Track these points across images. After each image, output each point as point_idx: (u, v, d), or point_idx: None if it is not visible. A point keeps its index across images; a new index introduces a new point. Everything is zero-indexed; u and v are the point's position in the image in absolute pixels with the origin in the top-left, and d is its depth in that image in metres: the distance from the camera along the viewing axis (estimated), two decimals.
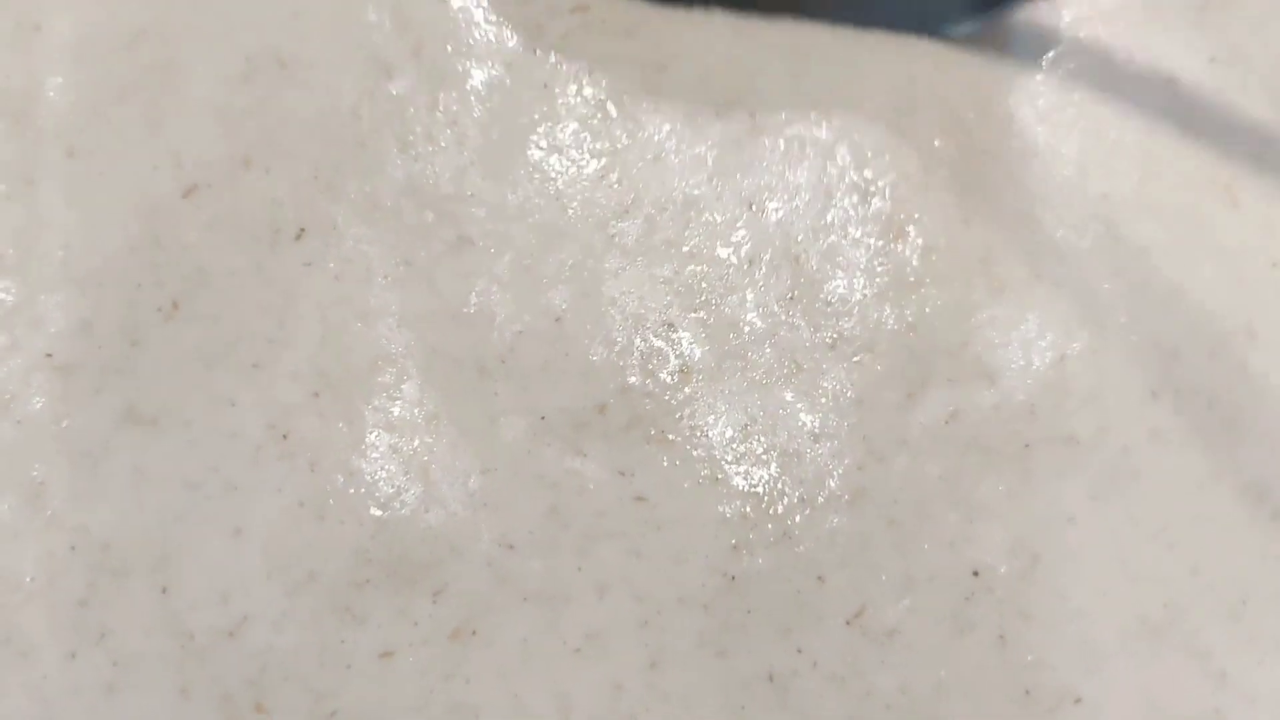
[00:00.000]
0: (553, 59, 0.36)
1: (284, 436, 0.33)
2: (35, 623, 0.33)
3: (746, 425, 0.34)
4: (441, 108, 0.35)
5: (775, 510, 0.34)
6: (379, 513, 0.33)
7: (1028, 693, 0.34)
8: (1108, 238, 0.36)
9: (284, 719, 0.32)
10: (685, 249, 0.35)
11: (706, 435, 0.34)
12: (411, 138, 0.35)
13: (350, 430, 0.34)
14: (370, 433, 0.34)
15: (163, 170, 0.34)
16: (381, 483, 0.34)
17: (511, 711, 0.33)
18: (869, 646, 0.34)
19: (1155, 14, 0.37)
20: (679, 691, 0.33)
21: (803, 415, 0.34)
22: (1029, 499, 0.34)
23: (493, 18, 0.36)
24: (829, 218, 0.36)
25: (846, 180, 0.36)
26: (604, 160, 0.35)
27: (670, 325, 0.34)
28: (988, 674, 0.34)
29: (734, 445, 0.34)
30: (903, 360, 0.35)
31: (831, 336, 0.35)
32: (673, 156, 0.36)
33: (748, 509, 0.34)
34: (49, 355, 0.33)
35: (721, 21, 0.36)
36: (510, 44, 0.36)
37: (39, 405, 0.33)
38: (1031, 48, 0.37)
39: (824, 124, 0.36)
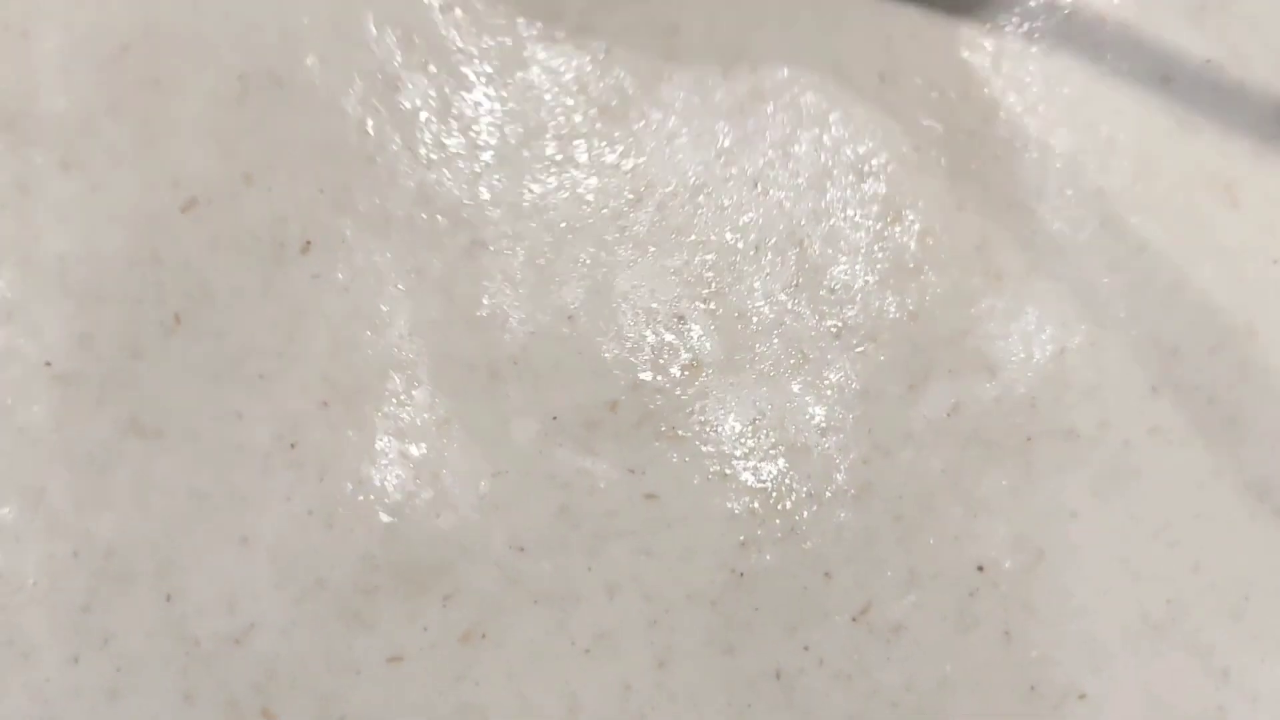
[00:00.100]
0: (571, 45, 0.35)
1: (292, 446, 0.33)
2: (37, 626, 0.32)
3: (755, 420, 0.34)
4: (454, 113, 0.35)
5: (783, 506, 0.34)
6: (389, 519, 0.33)
7: (1033, 688, 0.34)
8: (1104, 233, 0.36)
9: None
10: (693, 236, 0.35)
11: (716, 431, 0.34)
12: (423, 148, 0.35)
13: (360, 438, 0.34)
14: (380, 440, 0.34)
15: (159, 186, 0.34)
16: (391, 489, 0.33)
17: (520, 712, 0.33)
18: (875, 643, 0.34)
19: (1150, 12, 0.37)
20: (687, 690, 0.33)
21: (810, 408, 0.34)
22: (1031, 494, 0.34)
23: (500, 19, 0.35)
24: (828, 198, 0.36)
25: (842, 157, 0.36)
26: (619, 147, 0.35)
27: (680, 318, 0.35)
28: (993, 670, 0.34)
29: (743, 440, 0.34)
30: (905, 351, 0.35)
31: (835, 325, 0.35)
32: (684, 132, 0.35)
33: (756, 505, 0.34)
34: (48, 364, 0.33)
35: None
36: (524, 35, 0.35)
37: (38, 413, 0.33)
38: (1014, 33, 0.37)
39: (813, 90, 0.36)
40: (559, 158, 0.35)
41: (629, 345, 0.34)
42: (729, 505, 0.34)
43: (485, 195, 0.35)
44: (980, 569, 0.34)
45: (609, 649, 0.33)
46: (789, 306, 0.35)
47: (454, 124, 0.35)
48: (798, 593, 0.34)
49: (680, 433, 0.34)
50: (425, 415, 0.34)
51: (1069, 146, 0.36)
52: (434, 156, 0.35)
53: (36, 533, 0.33)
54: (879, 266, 0.35)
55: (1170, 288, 0.35)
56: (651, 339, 0.34)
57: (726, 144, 0.36)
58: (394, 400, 0.34)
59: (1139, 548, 0.34)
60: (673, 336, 0.35)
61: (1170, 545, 0.34)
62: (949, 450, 0.34)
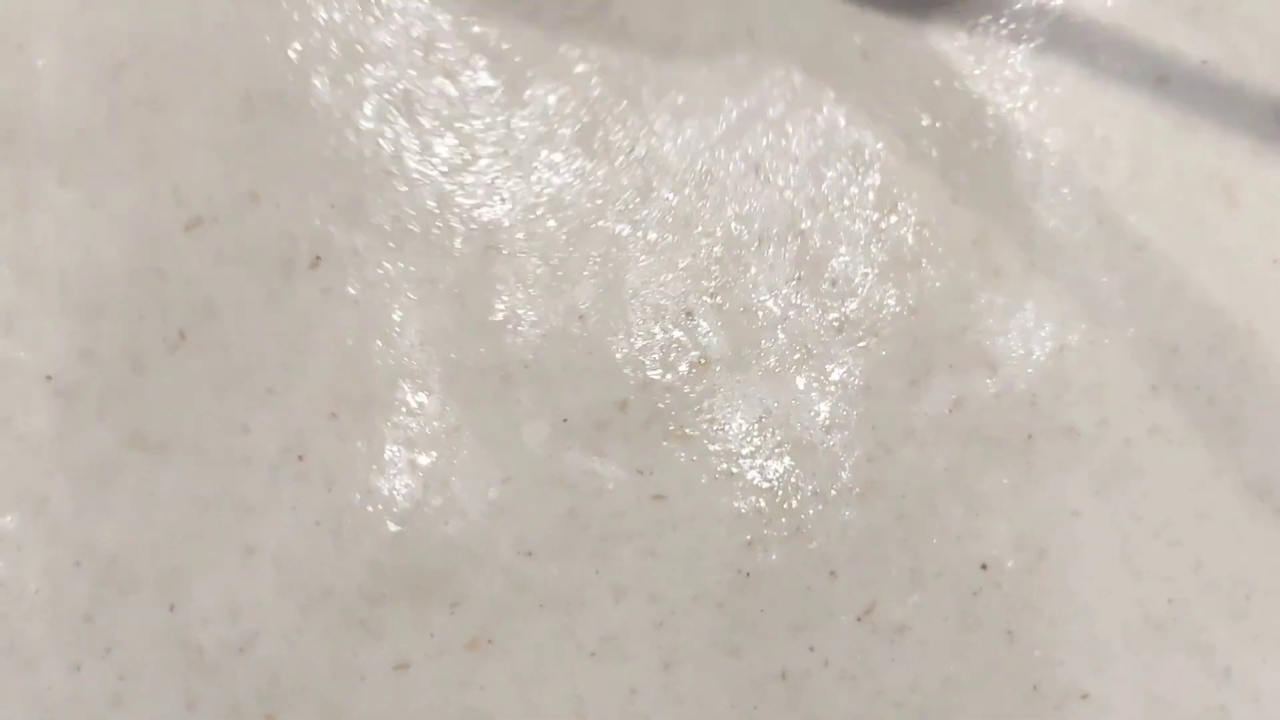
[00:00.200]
0: (584, 26, 0.35)
1: (300, 458, 0.33)
2: (39, 634, 0.32)
3: (761, 417, 0.34)
4: (475, 121, 0.35)
5: (789, 505, 0.34)
6: (396, 528, 0.33)
7: (1035, 688, 0.34)
8: (1101, 231, 0.36)
9: None
10: (700, 228, 0.35)
11: (723, 429, 0.34)
12: (438, 157, 0.35)
13: (369, 448, 0.34)
14: (389, 449, 0.34)
15: (161, 204, 0.34)
16: (400, 498, 0.33)
17: (525, 717, 0.33)
18: (879, 644, 0.34)
19: (1146, 13, 0.37)
20: (692, 693, 0.33)
21: (814, 405, 0.35)
22: (1033, 492, 0.35)
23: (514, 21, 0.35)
24: (825, 186, 0.36)
25: (837, 140, 0.36)
26: (629, 135, 0.35)
27: (689, 313, 0.35)
28: (996, 670, 0.34)
29: (750, 439, 0.34)
30: (906, 345, 0.35)
31: (837, 319, 0.35)
32: (689, 114, 0.35)
33: (762, 504, 0.34)
34: (48, 378, 0.33)
35: None
36: (540, 27, 0.35)
37: (39, 425, 0.33)
38: (1003, 32, 0.37)
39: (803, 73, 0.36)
40: (574, 151, 0.35)
41: (639, 343, 0.34)
42: (736, 505, 0.34)
43: (501, 198, 0.35)
44: (984, 568, 0.34)
45: (615, 652, 0.33)
46: (793, 299, 0.35)
47: (469, 127, 0.35)
48: (803, 593, 0.34)
49: (688, 431, 0.34)
50: (435, 424, 0.34)
51: (1063, 145, 0.36)
52: (450, 163, 0.35)
53: (38, 542, 0.32)
54: (878, 259, 0.35)
55: (1169, 287, 0.36)
56: (661, 336, 0.35)
57: (729, 126, 0.36)
58: (404, 410, 0.34)
59: (1140, 547, 0.35)
60: (681, 333, 0.35)
61: (1171, 544, 0.35)
62: (951, 447, 0.35)
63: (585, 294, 0.35)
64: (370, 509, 0.33)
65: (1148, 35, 0.37)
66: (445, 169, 0.35)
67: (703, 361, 0.34)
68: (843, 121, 0.36)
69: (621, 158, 0.35)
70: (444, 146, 0.35)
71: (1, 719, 0.32)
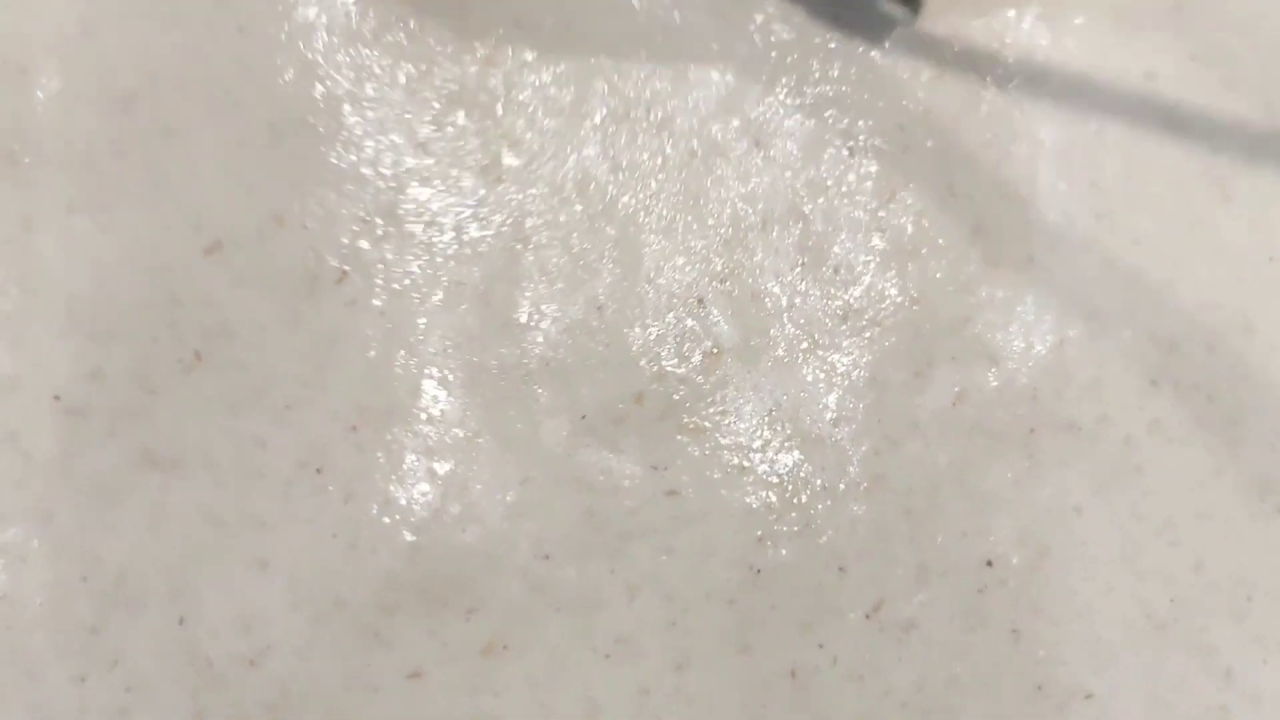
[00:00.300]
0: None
1: (318, 471, 0.33)
2: (43, 646, 0.32)
3: (771, 410, 0.35)
4: (499, 120, 0.35)
5: (799, 499, 0.34)
6: (413, 537, 0.33)
7: (1039, 688, 0.34)
8: (1098, 226, 0.36)
9: None
10: (709, 208, 0.35)
11: (735, 422, 0.34)
12: (474, 158, 0.35)
13: (388, 459, 0.34)
14: (409, 459, 0.34)
15: (177, 230, 0.34)
16: (418, 507, 0.33)
17: None
18: (887, 641, 0.34)
19: (1129, 9, 0.37)
20: (703, 693, 0.33)
21: (822, 397, 0.35)
22: (1035, 487, 0.35)
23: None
24: (822, 169, 0.36)
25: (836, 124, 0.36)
26: (646, 117, 0.35)
27: (701, 301, 0.35)
28: (1001, 669, 0.34)
29: (760, 432, 0.34)
30: (909, 336, 0.35)
31: (841, 307, 0.35)
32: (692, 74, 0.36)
33: (773, 498, 0.34)
34: (57, 398, 0.33)
35: None
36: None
37: (45, 442, 0.33)
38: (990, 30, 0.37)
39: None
40: (598, 138, 0.35)
41: (654, 334, 0.35)
42: (747, 500, 0.34)
43: (534, 189, 0.35)
44: (989, 564, 0.34)
45: (628, 653, 0.33)
46: (799, 286, 0.35)
47: (509, 123, 0.35)
48: (813, 589, 0.34)
49: (703, 424, 0.34)
50: (456, 430, 0.34)
51: (1056, 140, 0.36)
52: (480, 163, 0.35)
53: (43, 556, 0.32)
54: (876, 246, 0.36)
55: (1166, 282, 0.36)
56: (675, 325, 0.35)
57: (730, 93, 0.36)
58: (424, 418, 0.34)
59: (1142, 545, 0.35)
60: (694, 322, 0.35)
61: (1172, 544, 0.35)
62: (955, 441, 0.35)
63: (603, 284, 0.35)
64: (388, 520, 0.33)
65: (1134, 30, 0.37)
66: (489, 165, 0.35)
67: (715, 351, 0.35)
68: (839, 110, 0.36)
69: (643, 138, 0.35)
70: (472, 145, 0.35)
71: None
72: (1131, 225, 0.36)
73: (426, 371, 0.34)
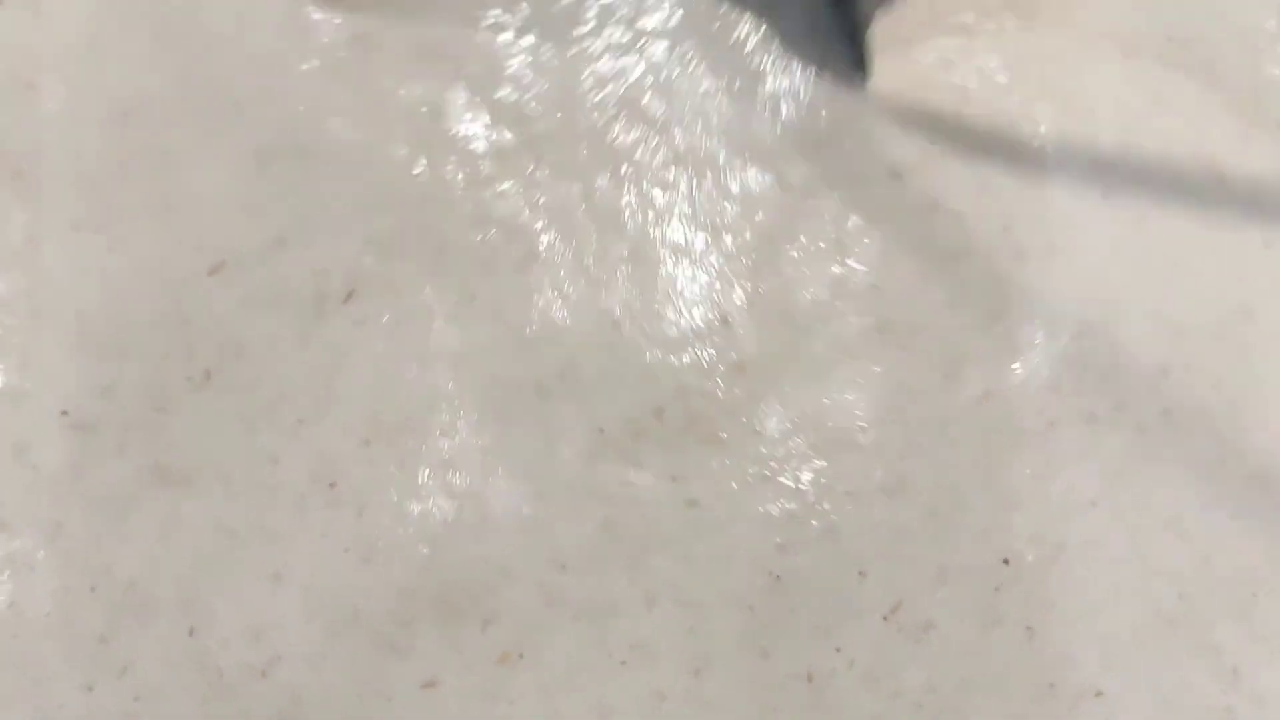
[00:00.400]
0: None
1: (331, 485, 0.33)
2: (51, 654, 0.32)
3: (796, 420, 0.34)
4: (510, 130, 0.35)
5: (821, 506, 0.34)
6: (428, 550, 0.33)
7: (1052, 686, 0.34)
8: (1106, 205, 0.37)
9: None
10: (727, 219, 0.35)
11: (758, 432, 0.34)
12: (471, 169, 0.35)
13: (402, 473, 0.33)
14: (423, 472, 0.33)
15: (181, 249, 0.34)
16: (434, 520, 0.33)
17: None
18: (904, 643, 0.34)
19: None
20: (719, 697, 0.33)
21: (850, 405, 0.35)
22: (1052, 482, 0.35)
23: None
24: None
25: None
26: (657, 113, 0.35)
27: (725, 319, 0.34)
28: (1015, 668, 0.34)
29: (785, 441, 0.34)
30: (938, 338, 0.35)
31: (874, 320, 0.35)
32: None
33: (794, 506, 0.34)
34: (65, 413, 0.33)
35: None
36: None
37: (54, 456, 0.33)
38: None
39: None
40: (602, 137, 0.35)
41: (673, 347, 0.34)
42: (768, 508, 0.34)
43: (539, 199, 0.35)
44: (1006, 562, 0.34)
45: (645, 659, 0.33)
46: (827, 300, 0.35)
47: (502, 132, 0.35)
48: (832, 593, 0.34)
49: (722, 435, 0.34)
50: (472, 443, 0.33)
51: (1054, 121, 0.37)
52: (486, 172, 0.35)
53: (51, 566, 0.32)
54: (914, 254, 0.36)
55: (1170, 264, 0.36)
56: (695, 339, 0.34)
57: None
58: (438, 431, 0.33)
59: (1151, 539, 0.34)
60: (717, 336, 0.34)
61: (1181, 537, 0.35)
62: (979, 439, 0.35)
63: (618, 298, 0.34)
64: (402, 532, 0.33)
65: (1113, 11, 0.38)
66: (491, 174, 0.35)
67: (738, 364, 0.34)
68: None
69: (658, 147, 0.35)
70: (475, 155, 0.35)
71: None
72: (1133, 202, 0.36)
73: (439, 387, 0.34)
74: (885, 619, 0.34)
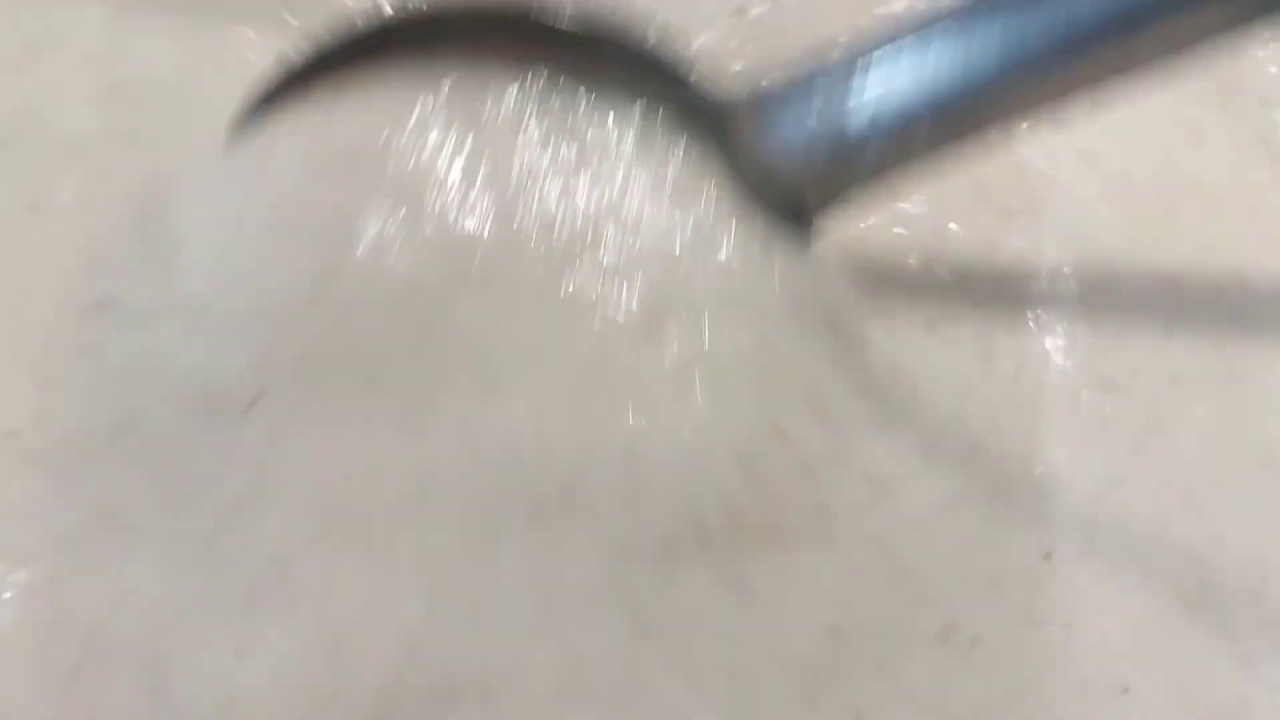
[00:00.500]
0: None
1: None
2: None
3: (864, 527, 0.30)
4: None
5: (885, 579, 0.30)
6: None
7: (1084, 683, 0.30)
8: (1082, 165, 0.35)
9: None
10: None
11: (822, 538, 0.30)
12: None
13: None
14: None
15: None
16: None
17: None
18: (955, 663, 0.30)
19: None
20: None
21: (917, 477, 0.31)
22: (1085, 461, 0.32)
23: None
24: None
25: None
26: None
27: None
28: (1055, 668, 0.30)
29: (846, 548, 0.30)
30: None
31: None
32: None
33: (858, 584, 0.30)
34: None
35: None
36: None
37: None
38: None
39: None
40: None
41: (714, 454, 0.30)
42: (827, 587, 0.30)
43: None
44: (1047, 557, 0.31)
45: None
46: None
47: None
48: (890, 628, 0.30)
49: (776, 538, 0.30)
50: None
51: None
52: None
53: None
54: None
55: (1159, 224, 0.35)
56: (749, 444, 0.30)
57: None
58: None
59: (1171, 518, 0.32)
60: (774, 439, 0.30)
61: (1198, 516, 0.32)
62: (1019, 422, 0.32)
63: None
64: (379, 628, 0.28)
65: None
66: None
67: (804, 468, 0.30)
68: None
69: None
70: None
71: None
72: (1114, 162, 0.35)
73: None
74: (936, 641, 0.30)
